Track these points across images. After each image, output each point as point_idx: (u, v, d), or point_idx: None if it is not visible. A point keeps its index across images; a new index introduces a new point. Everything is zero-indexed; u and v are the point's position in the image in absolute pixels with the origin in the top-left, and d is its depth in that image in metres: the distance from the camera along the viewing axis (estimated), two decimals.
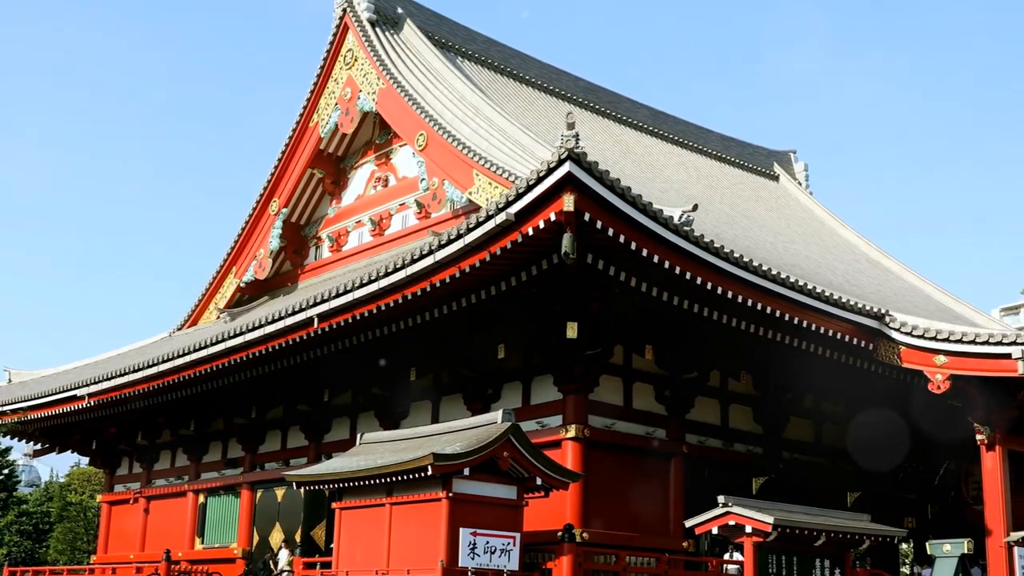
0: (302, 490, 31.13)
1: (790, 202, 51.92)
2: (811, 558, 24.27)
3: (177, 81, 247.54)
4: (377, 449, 27.60)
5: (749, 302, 26.61)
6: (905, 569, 46.34)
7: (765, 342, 28.67)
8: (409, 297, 26.73)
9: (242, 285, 45.46)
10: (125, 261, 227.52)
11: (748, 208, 45.17)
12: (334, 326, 29.02)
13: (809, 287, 27.97)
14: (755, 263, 26.65)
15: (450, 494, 24.75)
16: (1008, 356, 27.40)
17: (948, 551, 25.91)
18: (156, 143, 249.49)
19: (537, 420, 29.63)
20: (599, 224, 23.50)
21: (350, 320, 28.52)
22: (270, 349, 31.39)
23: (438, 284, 25.94)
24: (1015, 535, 29.40)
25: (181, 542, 41.53)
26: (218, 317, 44.70)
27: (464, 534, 24.82)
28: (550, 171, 23.14)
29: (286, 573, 34.25)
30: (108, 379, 38.09)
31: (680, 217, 24.94)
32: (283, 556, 35.19)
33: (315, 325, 29.26)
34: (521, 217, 23.80)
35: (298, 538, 35.82)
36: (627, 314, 27.96)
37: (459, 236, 24.95)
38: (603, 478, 28.87)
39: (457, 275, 25.46)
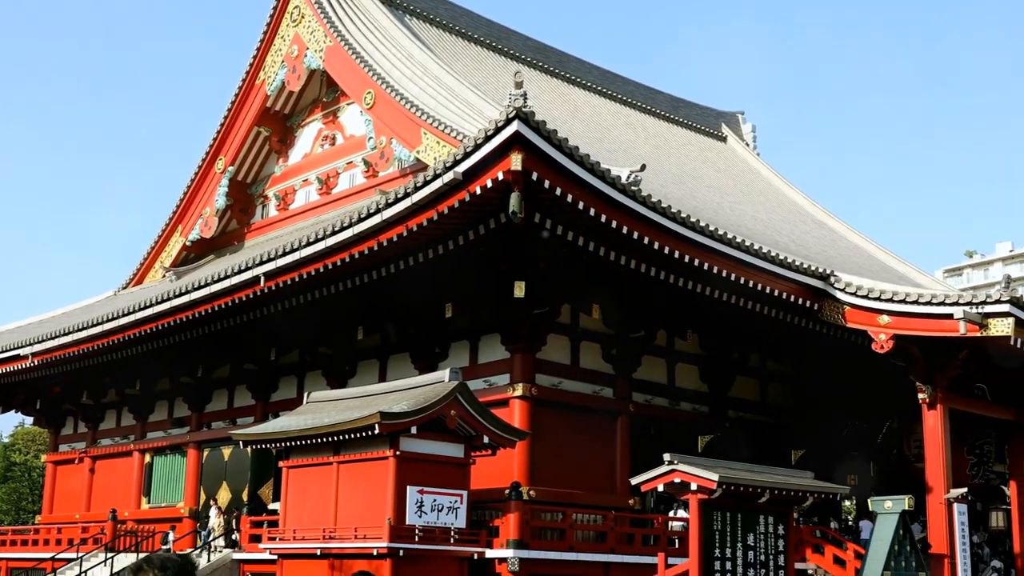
0: (249, 449, 31.08)
1: (737, 163, 52.12)
2: (755, 515, 24.49)
3: (121, 40, 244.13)
4: (324, 408, 27.58)
5: (696, 262, 26.75)
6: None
7: (712, 302, 28.85)
8: (356, 256, 26.65)
9: (188, 244, 45.13)
10: (70, 220, 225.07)
11: (696, 168, 45.31)
12: (281, 285, 28.89)
13: (755, 247, 28.15)
14: (702, 223, 26.77)
15: (397, 452, 24.82)
16: (950, 316, 27.74)
17: (889, 508, 26.19)
18: (99, 103, 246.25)
19: (485, 379, 29.69)
20: (547, 183, 23.50)
21: (297, 279, 28.40)
22: (216, 308, 31.21)
23: (385, 243, 25.87)
24: (955, 492, 29.87)
25: (127, 502, 41.36)
26: (164, 276, 44.38)
27: (411, 492, 24.93)
28: (498, 130, 23.10)
29: (215, 534, 34.00)
30: (52, 338, 37.78)
31: (628, 177, 24.99)
32: (212, 515, 35.11)
33: (262, 284, 29.11)
34: (469, 176, 23.76)
35: (245, 497, 35.77)
36: (574, 273, 28.03)
37: (406, 195, 24.88)
38: (550, 436, 29.02)
39: (404, 234, 25.40)
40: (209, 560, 32.35)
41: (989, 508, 37.18)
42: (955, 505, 29.84)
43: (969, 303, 27.76)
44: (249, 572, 32.24)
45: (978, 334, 27.53)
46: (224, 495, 37.20)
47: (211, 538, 33.94)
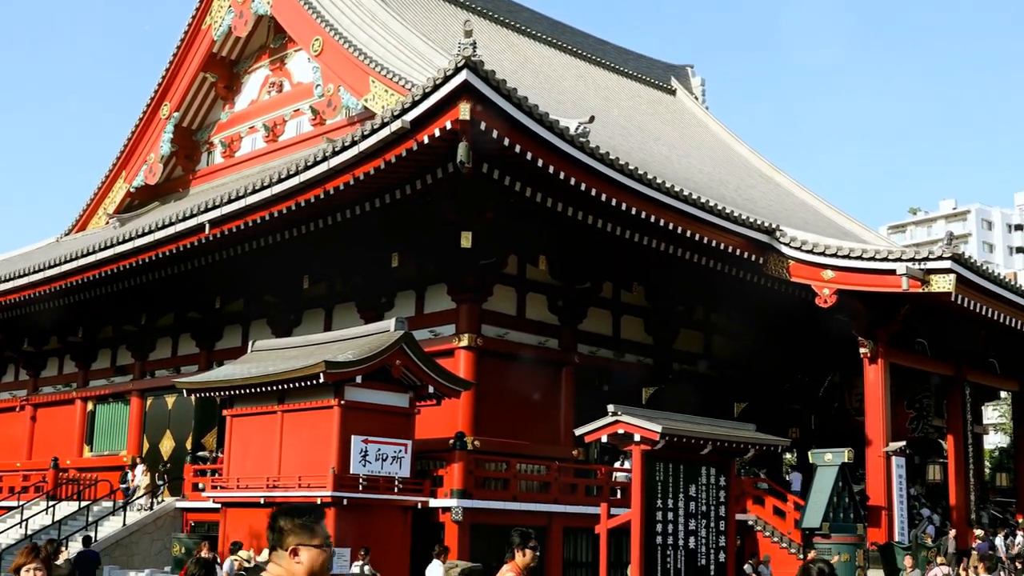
0: (193, 397, 30.95)
1: (686, 116, 52.18)
2: (697, 466, 24.73)
3: None
4: (269, 356, 27.49)
5: (643, 214, 26.81)
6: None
7: (658, 254, 28.95)
8: (303, 204, 26.48)
9: (132, 190, 44.64)
10: (11, 165, 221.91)
11: (644, 121, 45.32)
12: (226, 232, 28.68)
13: (702, 200, 28.25)
14: (649, 176, 26.82)
15: (342, 401, 24.82)
16: (893, 272, 28.05)
17: (829, 460, 26.56)
18: (44, 48, 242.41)
19: (430, 329, 29.69)
20: (495, 133, 23.43)
21: (242, 227, 28.19)
22: (160, 255, 30.94)
23: (332, 191, 25.72)
24: (894, 445, 30.31)
25: (69, 450, 41.08)
26: (107, 223, 43.89)
27: (356, 441, 24.96)
28: (447, 79, 22.97)
29: (140, 491, 33.76)
30: None
31: (576, 128, 24.97)
32: (138, 473, 34.82)
33: (206, 231, 28.89)
34: (417, 125, 23.63)
35: (189, 445, 35.63)
36: (522, 224, 28.03)
37: (354, 143, 24.73)
38: (495, 387, 29.10)
39: (351, 183, 25.26)
40: (125, 524, 32.16)
41: (927, 461, 37.80)
42: (893, 458, 30.29)
43: (912, 259, 28.07)
44: (192, 520, 32.20)
45: (920, 290, 27.86)
46: (168, 443, 37.03)
47: (135, 497, 33.66)
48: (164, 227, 30.24)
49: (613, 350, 34.05)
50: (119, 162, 45.10)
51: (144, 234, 30.97)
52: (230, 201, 28.05)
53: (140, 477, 34.30)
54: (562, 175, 24.80)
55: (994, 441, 62.61)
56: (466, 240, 26.41)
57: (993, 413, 63.91)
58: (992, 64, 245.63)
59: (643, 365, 34.97)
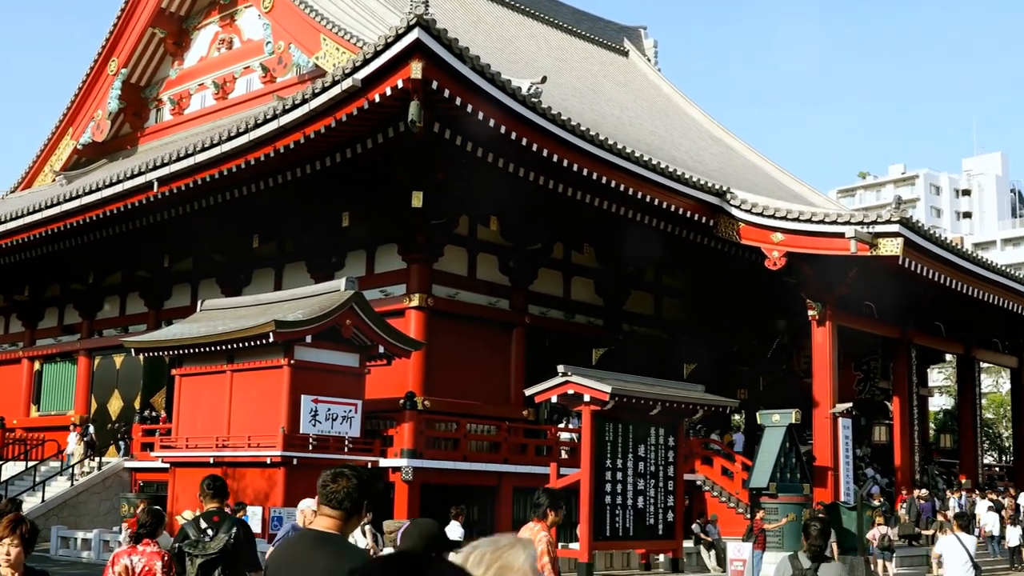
0: (141, 357, 30.73)
1: (638, 78, 52.12)
2: (647, 426, 24.87)
3: None
4: (218, 316, 27.33)
5: (594, 176, 26.82)
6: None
7: (609, 216, 29.00)
8: (252, 162, 26.28)
9: (79, 147, 44.06)
10: None
11: (597, 83, 45.25)
12: (175, 191, 28.43)
13: (653, 162, 28.29)
14: (601, 137, 26.81)
15: (292, 361, 24.74)
16: (841, 235, 28.24)
17: (777, 421, 26.78)
18: None
19: (381, 289, 29.63)
20: (447, 93, 23.33)
21: (191, 185, 27.96)
22: (108, 213, 30.64)
23: (282, 150, 25.55)
24: (840, 407, 30.61)
25: (16, 409, 40.75)
26: (54, 180, 43.33)
27: (306, 401, 24.90)
28: (398, 37, 22.82)
29: (75, 457, 33.66)
30: None
31: (528, 88, 24.90)
32: (72, 442, 34.51)
33: (155, 189, 28.62)
34: (368, 83, 23.49)
35: (137, 405, 35.44)
36: (473, 185, 27.96)
37: (304, 101, 24.54)
38: (446, 347, 29.11)
39: (301, 141, 25.10)
40: (72, 485, 31.93)
41: (873, 423, 38.24)
42: (840, 419, 30.59)
43: (860, 223, 28.27)
44: (141, 480, 32.06)
45: (868, 253, 28.08)
46: (116, 403, 36.82)
47: (72, 463, 33.37)
48: (112, 185, 29.93)
49: (564, 311, 34.13)
50: (66, 119, 44.49)
51: (91, 192, 30.64)
52: (179, 159, 27.79)
53: (74, 445, 34.00)
54: (514, 135, 24.76)
55: (939, 403, 63.41)
56: (417, 200, 26.33)
57: (938, 376, 64.71)
58: (943, 31, 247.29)
59: (593, 326, 35.09)
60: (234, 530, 8.69)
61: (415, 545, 4.66)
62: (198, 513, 9.18)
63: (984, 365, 46.42)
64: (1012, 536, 28.80)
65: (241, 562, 8.72)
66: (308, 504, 11.67)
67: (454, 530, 20.58)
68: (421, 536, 4.80)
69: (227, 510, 9.77)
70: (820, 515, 25.16)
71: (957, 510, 32.04)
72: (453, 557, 2.86)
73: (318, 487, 5.04)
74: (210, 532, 8.58)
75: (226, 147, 26.51)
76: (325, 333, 25.04)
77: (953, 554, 15.79)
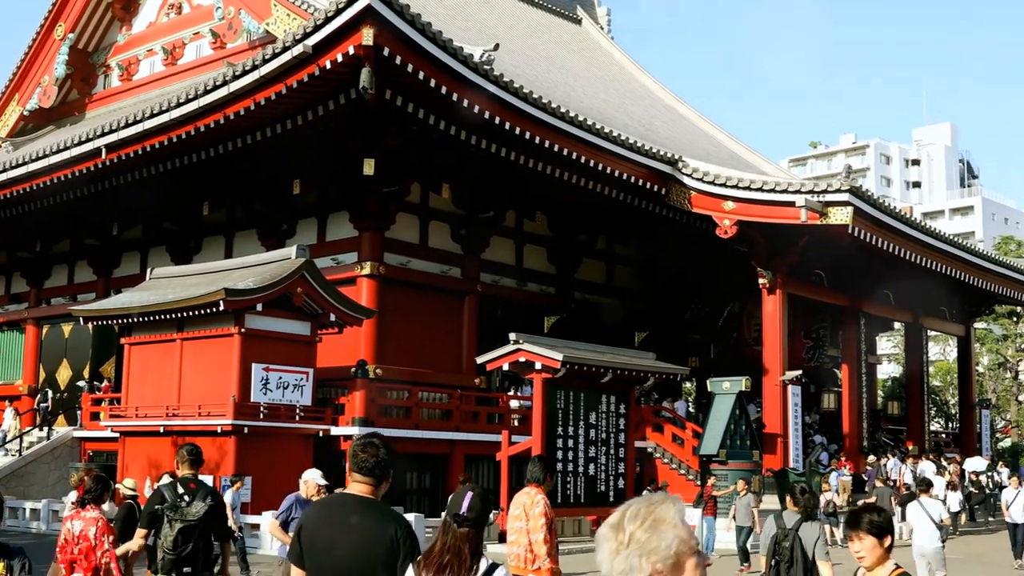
0: (90, 325, 30.51)
1: (591, 46, 52.03)
2: (598, 394, 25.00)
3: None
4: (168, 284, 27.14)
5: (546, 143, 26.81)
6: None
7: (561, 184, 29.00)
8: (202, 129, 26.06)
9: (26, 113, 43.45)
10: None
11: (550, 50, 45.14)
12: (123, 157, 28.14)
13: (606, 130, 28.30)
14: (553, 104, 26.78)
15: (242, 329, 24.64)
16: (792, 204, 28.41)
17: (727, 388, 27.02)
18: None
19: (332, 257, 29.51)
20: (398, 60, 23.21)
21: (140, 152, 27.68)
22: (56, 180, 30.30)
23: (232, 116, 25.34)
24: (790, 374, 30.87)
25: None
26: (0, 146, 42.78)
27: (256, 369, 24.82)
28: (349, 3, 22.64)
29: (10, 434, 33.37)
30: None
31: (480, 56, 24.82)
32: (7, 416, 34.17)
33: (103, 156, 28.32)
34: (319, 50, 23.32)
35: (87, 374, 35.17)
36: (425, 152, 27.88)
37: (254, 68, 24.34)
38: (398, 315, 29.07)
39: (252, 108, 24.89)
40: (20, 455, 31.73)
41: (822, 390, 38.58)
42: (789, 387, 30.86)
43: (811, 191, 28.44)
44: (90, 450, 31.86)
45: (818, 222, 28.27)
46: (65, 372, 36.52)
47: (5, 441, 33.08)
48: (59, 151, 29.59)
49: (516, 279, 34.17)
50: (11, 84, 43.84)
51: (38, 158, 30.27)
52: (127, 125, 27.50)
53: (9, 420, 33.67)
54: (466, 103, 24.68)
55: (887, 371, 64.06)
56: (369, 167, 26.22)
57: (887, 344, 65.39)
58: (895, 1, 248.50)
59: (545, 294, 35.15)
60: (209, 498, 8.77)
61: (479, 511, 5.00)
62: (174, 478, 9.21)
63: (932, 333, 46.94)
64: (953, 502, 29.18)
65: (214, 530, 8.84)
66: (312, 476, 11.73)
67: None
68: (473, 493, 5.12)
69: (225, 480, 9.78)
70: (804, 482, 25.53)
71: (904, 475, 32.48)
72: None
73: (349, 456, 5.40)
74: (186, 498, 8.66)
75: (175, 113, 26.26)
76: (276, 301, 24.93)
77: (919, 519, 16.23)
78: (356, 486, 5.36)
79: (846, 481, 31.00)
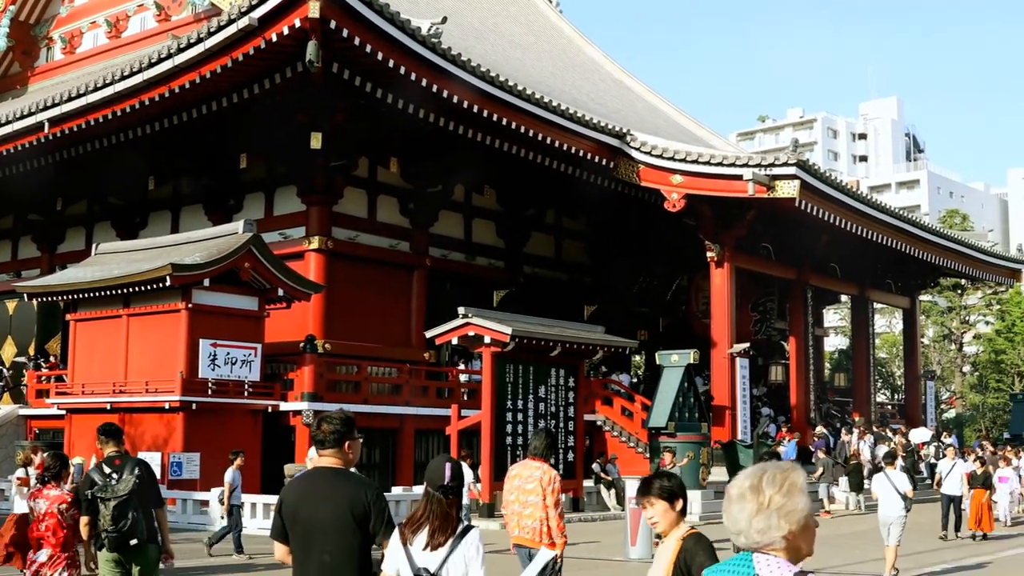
0: (35, 302, 30.19)
1: (540, 20, 51.93)
2: (547, 367, 25.04)
3: None
4: (114, 259, 26.90)
5: (495, 117, 26.76)
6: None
7: (510, 158, 28.99)
8: (147, 103, 25.79)
9: None
10: None
11: (498, 24, 45.02)
12: (67, 132, 27.81)
13: (553, 104, 28.29)
14: (502, 78, 26.73)
15: (189, 305, 24.48)
16: (739, 178, 28.58)
17: (676, 361, 27.12)
18: None
19: (280, 231, 29.33)
20: (345, 33, 23.06)
21: (84, 126, 27.36)
22: None
23: (177, 90, 25.09)
24: (738, 347, 31.11)
25: None
26: None
27: (204, 345, 24.68)
28: None
29: None
30: None
31: (428, 29, 24.70)
32: None
33: (46, 130, 27.96)
34: (264, 22, 23.13)
35: (32, 351, 34.82)
36: (373, 126, 27.75)
37: (199, 40, 24.10)
38: (346, 290, 28.96)
39: (197, 81, 24.66)
40: None
41: (769, 363, 38.89)
42: (737, 359, 31.10)
43: (759, 165, 28.62)
44: (36, 428, 31.56)
45: (766, 195, 28.47)
46: (9, 349, 36.14)
47: None
48: (0, 125, 29.18)
49: (465, 253, 34.15)
50: None
51: None
52: (71, 99, 27.17)
53: None
54: (414, 76, 24.58)
55: (834, 343, 64.67)
56: (316, 141, 26.09)
57: (833, 316, 66.00)
58: None
59: (494, 268, 35.15)
60: (136, 470, 8.85)
61: (442, 470, 5.40)
62: (105, 456, 9.23)
63: (878, 306, 47.40)
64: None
65: (148, 499, 8.93)
66: (314, 454, 11.79)
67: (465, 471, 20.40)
68: (447, 461, 5.52)
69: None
70: (770, 449, 25.71)
71: (862, 448, 32.81)
72: (738, 478, 3.42)
73: (311, 436, 6.02)
74: (114, 476, 8.76)
75: (119, 87, 25.96)
76: (223, 276, 24.77)
77: (884, 490, 16.52)
78: (325, 460, 5.80)
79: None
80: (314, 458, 10.92)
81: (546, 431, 10.90)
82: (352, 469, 5.90)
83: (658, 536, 5.09)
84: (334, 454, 5.81)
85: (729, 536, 3.34)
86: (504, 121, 27.01)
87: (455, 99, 25.68)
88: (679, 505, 5.16)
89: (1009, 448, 34.15)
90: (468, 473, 20.97)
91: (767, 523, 3.28)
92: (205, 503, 22.57)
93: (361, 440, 6.07)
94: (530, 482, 9.92)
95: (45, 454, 9.68)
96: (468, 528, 5.33)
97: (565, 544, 9.95)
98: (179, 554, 15.84)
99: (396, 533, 5.49)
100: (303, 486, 5.87)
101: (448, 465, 5.36)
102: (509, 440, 23.99)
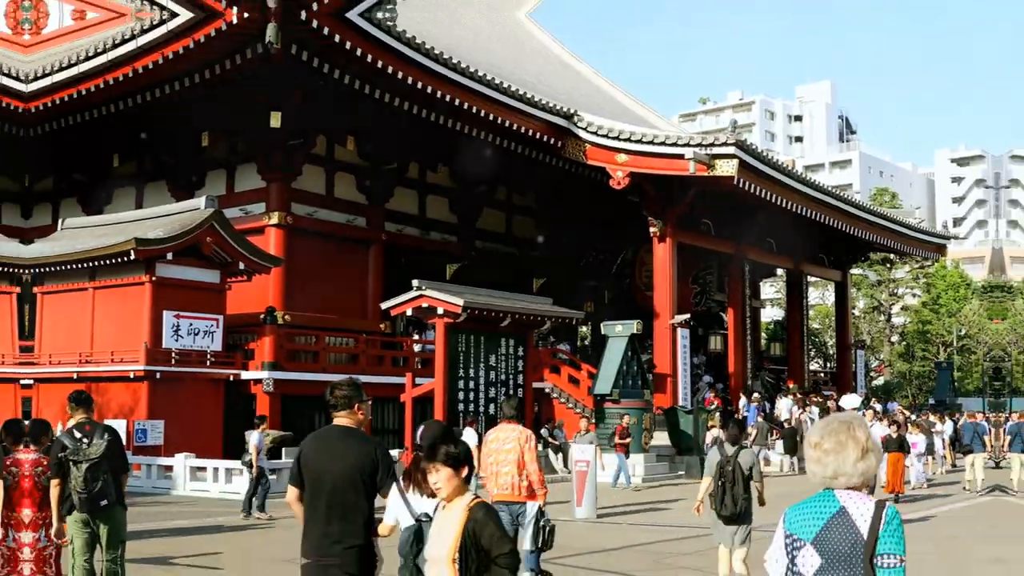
0: None
1: (494, 4, 51.82)
2: (498, 337, 25.13)
3: None
4: (80, 235, 26.65)
5: (447, 97, 26.71)
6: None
7: (462, 136, 28.96)
8: (111, 82, 25.52)
9: None
10: None
11: (452, 7, 44.88)
12: (33, 110, 27.47)
13: (504, 85, 28.26)
14: (455, 60, 26.67)
15: (153, 278, 24.31)
16: (681, 157, 28.72)
17: (620, 332, 27.26)
18: None
19: (241, 207, 29.14)
20: (303, 15, 22.91)
21: (51, 104, 27.06)
22: None
23: (141, 70, 24.84)
24: (679, 318, 31.29)
25: None
26: None
27: (168, 317, 24.54)
28: None
29: None
30: None
31: (382, 12, 24.59)
32: None
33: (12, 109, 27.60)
34: (228, 4, 22.93)
35: None
36: (331, 105, 27.59)
37: (162, 22, 23.85)
38: (306, 264, 28.84)
39: (160, 61, 24.42)
40: None
41: (709, 333, 39.17)
42: (679, 330, 31.28)
43: (699, 145, 28.76)
44: None
45: (706, 173, 28.62)
46: None
47: None
48: None
49: (419, 228, 34.11)
50: None
51: None
52: (37, 78, 26.85)
53: None
54: (369, 57, 24.48)
55: (770, 314, 65.15)
56: (275, 120, 25.97)
57: (770, 289, 66.47)
58: None
59: (448, 243, 35.13)
60: (106, 435, 8.94)
61: (434, 436, 6.05)
62: (71, 423, 9.27)
63: (811, 279, 47.82)
64: None
65: (116, 464, 9.05)
66: None
67: (469, 436, 20.41)
68: (439, 428, 6.18)
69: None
70: (734, 415, 25.93)
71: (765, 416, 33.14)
72: (820, 432, 3.90)
73: (326, 401, 6.48)
74: (85, 440, 8.85)
75: (84, 67, 25.69)
76: (186, 250, 24.61)
77: None
78: (339, 420, 6.38)
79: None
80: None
81: (516, 397, 11.86)
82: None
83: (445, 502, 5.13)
84: (346, 415, 6.39)
85: (821, 481, 3.83)
86: (455, 101, 26.96)
87: (409, 80, 25.59)
88: (464, 472, 5.15)
89: (932, 414, 34.58)
90: (472, 437, 20.98)
91: (867, 464, 3.81)
92: (169, 468, 22.47)
93: (370, 402, 6.62)
94: (508, 443, 10.35)
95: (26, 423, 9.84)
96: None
97: (546, 495, 10.43)
98: (144, 516, 15.82)
99: (395, 487, 6.19)
100: (319, 441, 6.37)
101: (422, 429, 6.11)
102: (461, 407, 24.07)
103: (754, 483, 10.57)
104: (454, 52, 28.22)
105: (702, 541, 13.31)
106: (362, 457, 6.14)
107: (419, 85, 25.81)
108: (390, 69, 24.99)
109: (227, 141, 29.55)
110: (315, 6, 23.03)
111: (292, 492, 6.27)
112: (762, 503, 10.76)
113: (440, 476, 5.10)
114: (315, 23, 23.13)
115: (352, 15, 23.75)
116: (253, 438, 18.43)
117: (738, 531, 10.41)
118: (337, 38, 23.68)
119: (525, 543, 9.59)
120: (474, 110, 27.59)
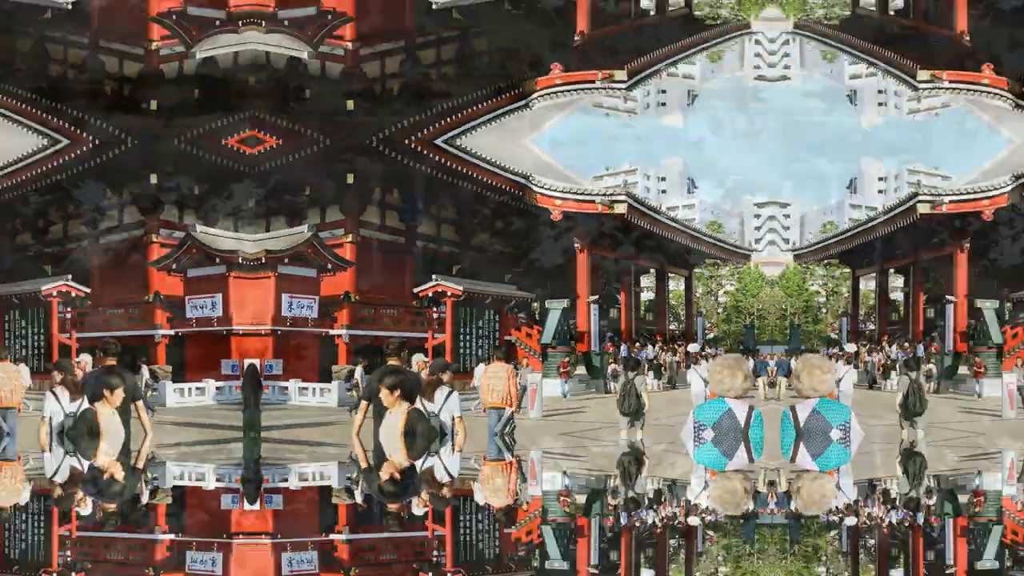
0: None
1: None
2: (483, 309, 25.59)
3: None
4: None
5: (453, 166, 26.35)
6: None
7: (459, 187, 28.56)
8: None
9: None
10: None
11: None
12: None
13: (497, 161, 28.01)
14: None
15: (276, 273, 24.28)
16: (594, 201, 29.11)
17: (556, 306, 27.93)
18: None
19: (330, 231, 28.27)
20: None
21: None
22: None
23: None
24: (592, 298, 31.53)
25: None
26: None
27: (284, 297, 24.56)
28: None
29: None
30: None
31: None
32: None
33: None
34: None
35: None
36: None
37: None
38: (367, 265, 28.31)
39: None
40: None
41: (610, 307, 39.25)
42: (592, 305, 31.66)
43: (603, 194, 29.34)
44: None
45: (609, 211, 29.01)
46: None
47: None
48: None
49: (436, 244, 33.51)
50: None
51: None
52: None
53: None
54: None
55: (647, 296, 65.46)
56: (350, 178, 25.55)
57: (645, 280, 66.65)
58: None
59: (453, 253, 34.32)
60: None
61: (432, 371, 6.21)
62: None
63: (671, 274, 48.02)
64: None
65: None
66: (418, 357, 12.09)
67: (478, 371, 19.66)
68: (437, 364, 6.41)
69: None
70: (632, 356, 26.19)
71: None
72: (721, 363, 3.57)
73: (384, 347, 7.07)
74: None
75: None
76: (295, 257, 24.70)
77: (694, 379, 16.31)
78: (391, 361, 6.87)
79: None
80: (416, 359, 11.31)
81: (507, 343, 12.42)
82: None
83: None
84: (395, 359, 6.86)
85: (718, 391, 3.86)
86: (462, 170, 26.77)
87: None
88: (398, 393, 5.49)
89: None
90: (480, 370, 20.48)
91: (748, 384, 3.78)
92: (285, 389, 22.47)
93: (405, 351, 6.83)
94: (499, 372, 10.73)
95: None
96: (452, 391, 5.93)
97: (517, 406, 11.11)
98: (271, 418, 15.76)
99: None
100: (381, 373, 6.74)
101: (432, 363, 6.08)
102: (462, 351, 24.19)
103: (642, 394, 11.19)
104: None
105: (607, 430, 13.59)
106: (408, 383, 6.57)
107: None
108: None
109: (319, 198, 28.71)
110: None
111: (364, 404, 6.30)
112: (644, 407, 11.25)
113: (385, 396, 5.44)
114: None
115: None
116: (358, 371, 18.44)
117: (634, 421, 11.07)
118: None
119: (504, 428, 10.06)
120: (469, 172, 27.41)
